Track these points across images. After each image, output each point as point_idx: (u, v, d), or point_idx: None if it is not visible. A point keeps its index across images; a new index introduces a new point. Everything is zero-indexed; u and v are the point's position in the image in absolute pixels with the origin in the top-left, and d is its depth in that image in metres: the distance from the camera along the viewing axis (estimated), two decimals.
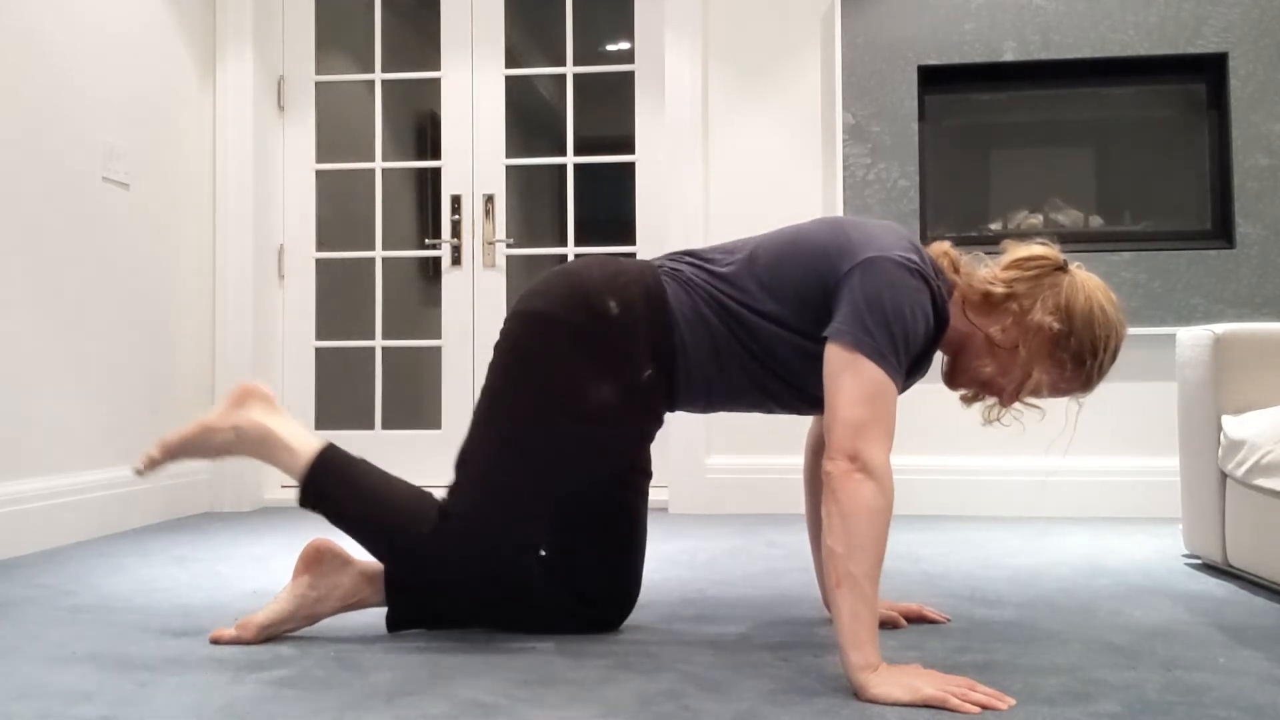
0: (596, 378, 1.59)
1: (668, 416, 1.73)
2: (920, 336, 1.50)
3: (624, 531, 1.74)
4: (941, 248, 1.65)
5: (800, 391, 1.62)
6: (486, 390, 1.66)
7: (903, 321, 1.46)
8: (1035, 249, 1.63)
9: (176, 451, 1.69)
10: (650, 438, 1.71)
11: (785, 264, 1.59)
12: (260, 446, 1.69)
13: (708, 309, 1.60)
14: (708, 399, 1.67)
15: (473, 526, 1.61)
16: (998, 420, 1.68)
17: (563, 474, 1.64)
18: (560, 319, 1.60)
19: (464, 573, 1.64)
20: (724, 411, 1.73)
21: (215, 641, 1.68)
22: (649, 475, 1.80)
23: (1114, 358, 1.60)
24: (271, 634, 1.68)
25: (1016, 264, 1.61)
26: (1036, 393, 1.61)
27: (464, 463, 1.66)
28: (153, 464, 1.69)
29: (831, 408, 1.44)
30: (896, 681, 1.34)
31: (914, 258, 1.51)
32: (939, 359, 1.69)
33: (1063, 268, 1.61)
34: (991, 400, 1.66)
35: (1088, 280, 1.61)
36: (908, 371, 1.53)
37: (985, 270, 1.62)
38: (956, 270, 1.62)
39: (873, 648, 1.36)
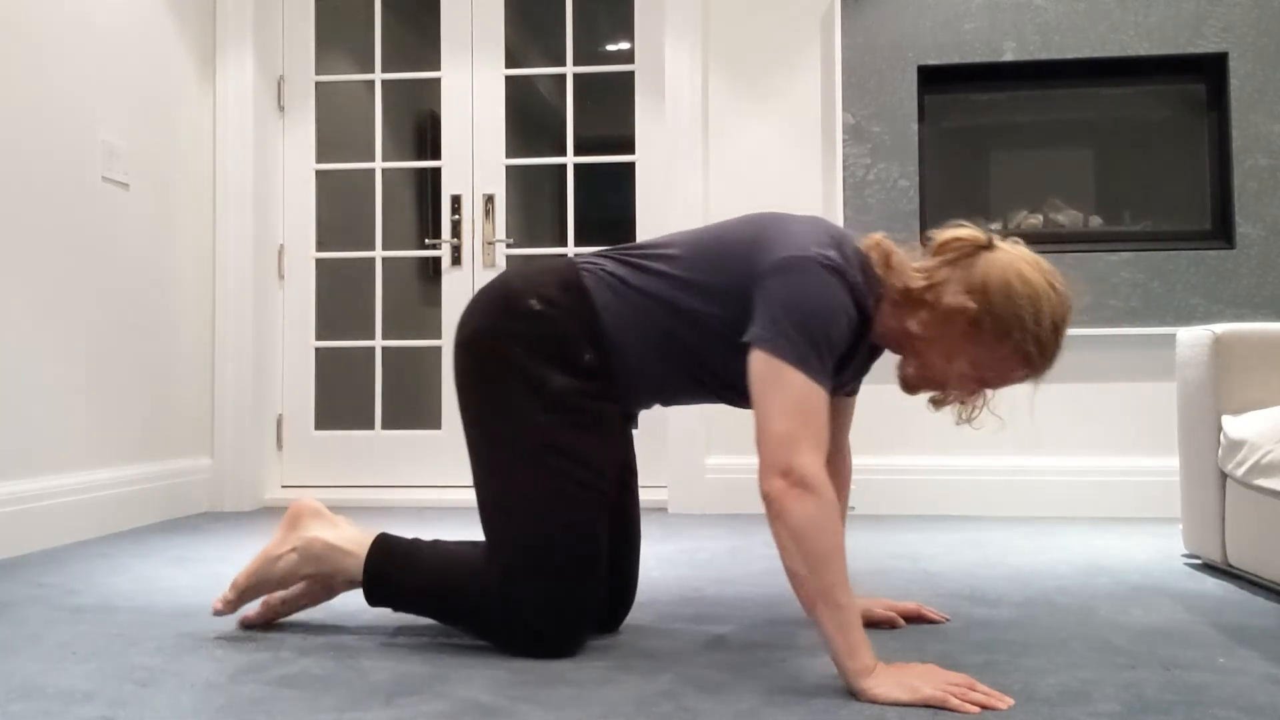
0: (545, 366, 1.59)
1: (663, 414, 1.73)
2: (842, 334, 1.47)
3: (619, 531, 1.73)
4: (873, 240, 1.58)
5: (733, 387, 1.57)
6: (467, 427, 1.66)
7: (820, 321, 1.43)
8: (954, 232, 1.56)
9: (247, 587, 1.72)
10: (627, 419, 1.70)
11: (708, 262, 1.57)
12: (323, 560, 1.70)
13: (633, 301, 1.59)
14: (654, 389, 1.66)
15: (535, 560, 1.57)
16: (968, 422, 1.62)
17: (575, 468, 1.58)
18: (494, 330, 1.63)
19: (542, 598, 1.57)
20: (676, 404, 1.73)
21: (219, 614, 1.73)
22: (635, 473, 1.79)
23: (1055, 328, 1.49)
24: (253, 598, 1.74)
25: (937, 251, 1.55)
26: (984, 382, 1.55)
27: (485, 507, 1.64)
28: (230, 605, 1.73)
29: (759, 421, 1.42)
30: (896, 682, 1.34)
31: (832, 254, 1.47)
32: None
33: (987, 246, 1.53)
34: (959, 400, 1.61)
35: (1009, 252, 1.52)
36: (837, 369, 1.51)
37: (919, 261, 1.56)
38: (889, 264, 1.54)
39: (865, 651, 1.36)
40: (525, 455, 1.59)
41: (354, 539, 1.70)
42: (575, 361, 1.60)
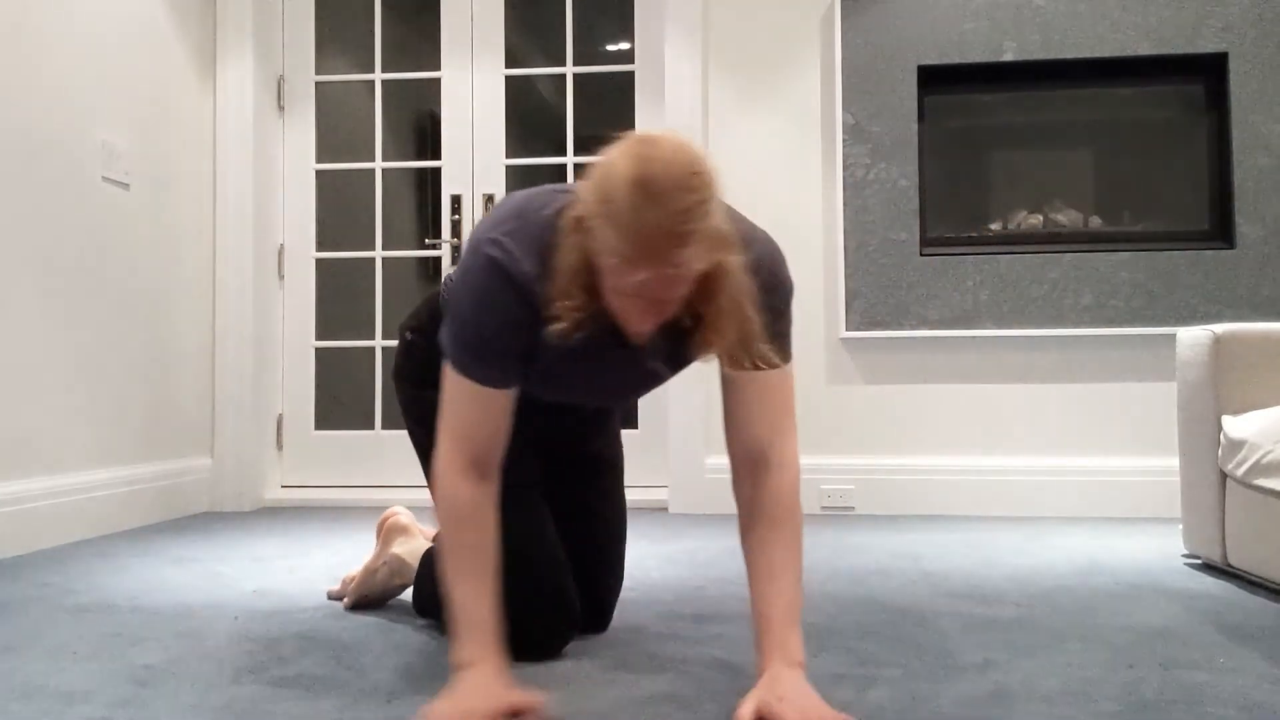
0: (422, 387, 1.66)
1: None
2: (497, 324, 1.34)
3: (580, 524, 1.72)
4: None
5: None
6: None
7: (466, 319, 1.36)
8: None
9: (359, 598, 1.95)
10: (545, 408, 1.61)
11: None
12: (403, 573, 1.92)
13: None
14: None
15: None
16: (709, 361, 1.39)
17: None
18: (393, 372, 1.77)
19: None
20: (581, 400, 1.67)
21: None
22: (589, 464, 1.78)
23: (631, 204, 1.18)
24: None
25: None
26: (621, 292, 1.27)
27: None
28: (353, 606, 1.96)
29: None
30: (451, 688, 1.28)
31: (497, 238, 1.33)
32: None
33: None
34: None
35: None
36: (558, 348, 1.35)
37: None
38: None
39: (460, 645, 1.31)
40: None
41: (420, 552, 1.87)
42: None
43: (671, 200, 1.19)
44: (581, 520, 1.75)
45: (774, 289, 1.41)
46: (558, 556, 1.63)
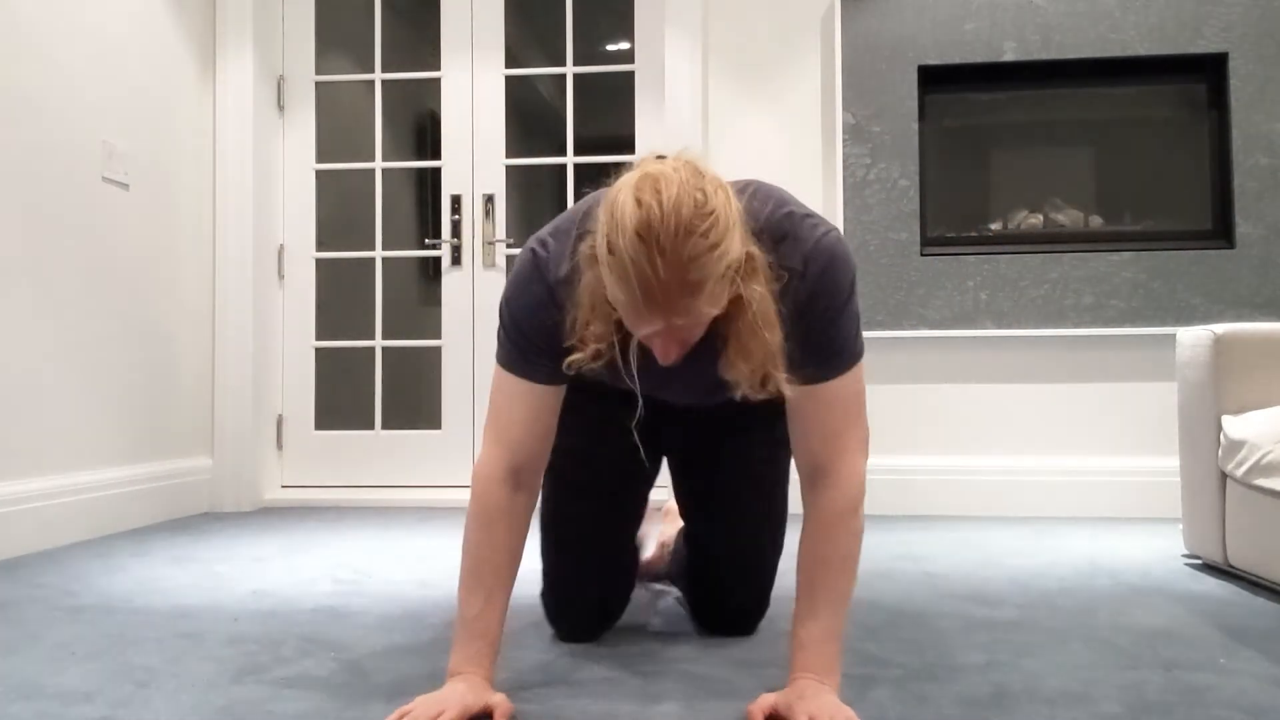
0: None
1: None
2: (535, 322, 1.34)
3: (717, 536, 1.75)
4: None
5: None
6: None
7: (509, 315, 1.38)
8: None
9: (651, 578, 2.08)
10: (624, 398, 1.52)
11: None
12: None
13: None
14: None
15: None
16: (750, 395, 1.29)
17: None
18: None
19: (546, 580, 1.71)
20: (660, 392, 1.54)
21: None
22: (735, 477, 1.73)
23: (628, 252, 1.11)
24: None
25: None
26: (641, 339, 1.23)
27: None
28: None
29: None
30: (433, 692, 1.29)
31: (544, 239, 1.37)
32: None
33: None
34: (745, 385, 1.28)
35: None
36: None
37: None
38: None
39: (454, 652, 1.33)
40: None
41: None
42: None
43: (677, 250, 1.10)
44: (715, 526, 1.73)
45: (817, 296, 1.31)
46: (601, 565, 1.70)
